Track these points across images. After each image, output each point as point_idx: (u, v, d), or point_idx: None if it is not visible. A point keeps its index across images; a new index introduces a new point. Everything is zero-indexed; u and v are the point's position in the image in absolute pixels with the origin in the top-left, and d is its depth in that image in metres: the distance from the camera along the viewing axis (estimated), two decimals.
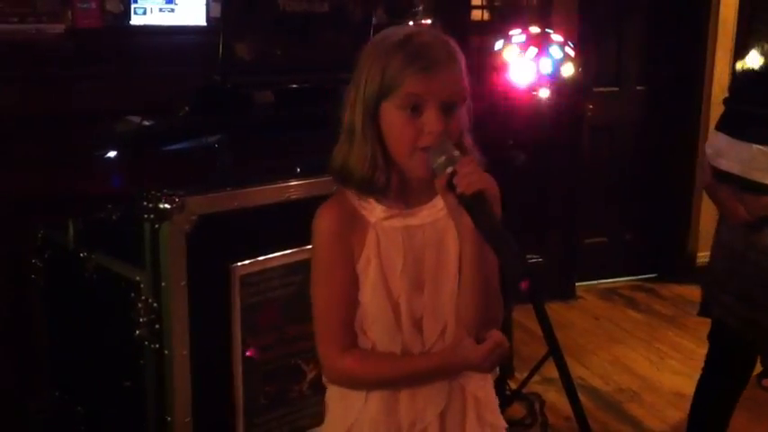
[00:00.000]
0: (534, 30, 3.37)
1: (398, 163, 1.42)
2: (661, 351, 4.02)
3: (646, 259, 5.05)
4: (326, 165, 1.48)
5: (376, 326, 1.48)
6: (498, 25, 4.02)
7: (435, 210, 1.48)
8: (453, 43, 1.43)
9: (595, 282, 4.95)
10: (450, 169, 1.33)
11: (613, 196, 4.92)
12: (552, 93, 3.33)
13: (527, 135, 3.56)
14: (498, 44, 3.40)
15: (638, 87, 4.90)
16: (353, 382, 1.50)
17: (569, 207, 4.70)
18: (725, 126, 2.66)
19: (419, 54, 1.38)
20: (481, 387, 1.54)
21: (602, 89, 4.75)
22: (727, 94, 2.81)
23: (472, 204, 1.31)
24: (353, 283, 1.47)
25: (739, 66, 2.76)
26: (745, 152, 2.53)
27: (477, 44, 3.70)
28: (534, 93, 3.30)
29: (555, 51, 3.28)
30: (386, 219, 1.46)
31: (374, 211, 1.46)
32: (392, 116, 1.40)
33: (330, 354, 1.48)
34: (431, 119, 1.37)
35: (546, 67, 3.25)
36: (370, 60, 1.42)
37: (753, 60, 2.66)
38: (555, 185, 4.60)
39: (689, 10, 4.79)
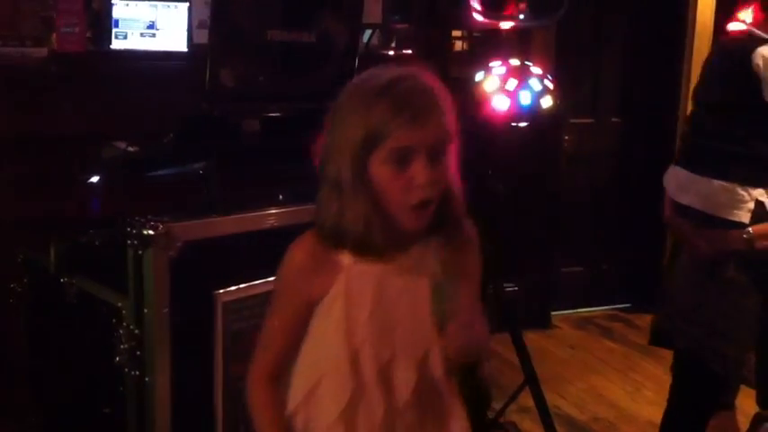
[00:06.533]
0: (514, 62, 3.41)
1: (391, 216, 1.36)
2: (636, 381, 4.04)
3: (621, 289, 5.10)
4: (315, 219, 1.42)
5: (328, 370, 1.44)
6: (478, 56, 4.07)
7: (411, 258, 1.43)
8: (438, 84, 1.36)
9: (571, 311, 4.98)
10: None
11: (590, 226, 4.97)
12: (530, 124, 3.36)
13: (506, 165, 3.59)
14: (479, 75, 3.43)
15: (614, 119, 4.97)
16: (250, 407, 1.52)
17: (546, 237, 4.74)
18: (684, 161, 2.69)
19: (405, 102, 1.31)
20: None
21: (578, 120, 4.81)
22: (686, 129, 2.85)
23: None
24: (299, 325, 1.46)
25: (697, 100, 2.81)
26: (705, 187, 2.55)
27: (456, 75, 3.75)
28: (513, 124, 3.33)
29: (534, 83, 3.32)
30: (359, 264, 1.41)
31: (347, 255, 1.41)
32: (379, 171, 1.33)
33: (253, 375, 1.51)
34: (419, 170, 1.32)
35: (525, 98, 3.29)
36: (352, 107, 1.34)
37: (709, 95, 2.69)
38: (532, 215, 4.64)
39: (665, 43, 4.87)
